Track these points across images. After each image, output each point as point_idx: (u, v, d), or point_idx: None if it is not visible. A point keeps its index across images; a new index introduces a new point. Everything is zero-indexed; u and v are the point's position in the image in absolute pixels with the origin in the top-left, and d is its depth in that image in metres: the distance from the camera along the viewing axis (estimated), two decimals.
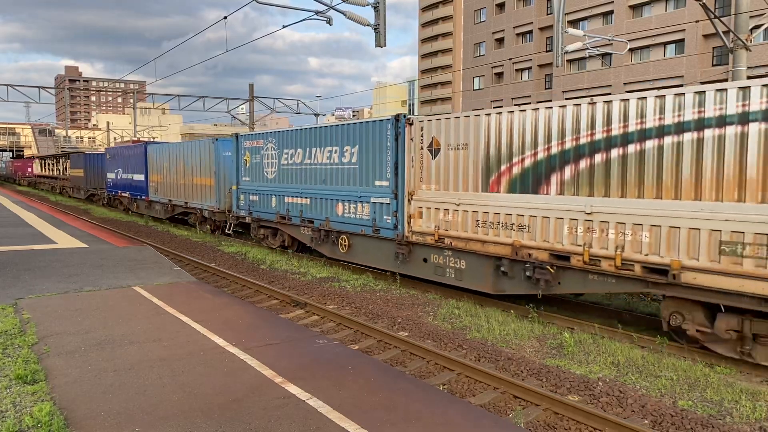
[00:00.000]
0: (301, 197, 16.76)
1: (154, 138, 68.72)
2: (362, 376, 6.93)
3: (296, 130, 16.99)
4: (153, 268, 13.93)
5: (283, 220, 17.61)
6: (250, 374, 6.91)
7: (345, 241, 15.06)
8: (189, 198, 24.27)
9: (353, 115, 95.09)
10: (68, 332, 8.52)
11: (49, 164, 60.96)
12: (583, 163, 9.60)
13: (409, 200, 12.99)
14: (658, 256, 8.65)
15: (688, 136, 8.36)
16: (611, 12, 46.02)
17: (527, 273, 10.45)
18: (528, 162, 10.43)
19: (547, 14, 52.01)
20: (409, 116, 12.98)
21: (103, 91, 46.86)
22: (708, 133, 8.15)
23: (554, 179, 10.03)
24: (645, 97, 8.79)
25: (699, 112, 8.25)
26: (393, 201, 13.41)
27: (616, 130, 9.16)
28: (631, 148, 8.98)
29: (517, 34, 56.10)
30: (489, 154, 11.15)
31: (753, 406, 6.83)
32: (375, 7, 14.97)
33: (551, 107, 10.05)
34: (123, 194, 33.05)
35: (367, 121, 14.23)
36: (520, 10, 55.69)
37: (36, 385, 6.46)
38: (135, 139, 46.51)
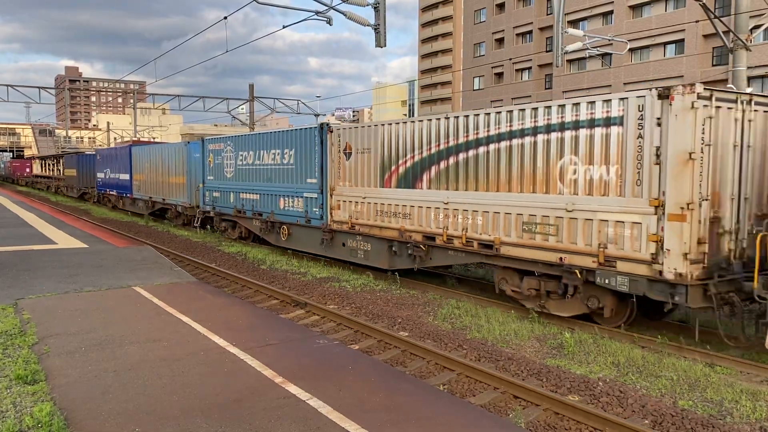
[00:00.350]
0: (252, 193, 19.04)
1: (154, 138, 68.50)
2: (362, 376, 6.93)
3: (249, 135, 19.35)
4: (153, 268, 13.94)
5: (239, 213, 19.88)
6: (251, 374, 6.91)
7: (285, 231, 17.42)
8: (166, 195, 26.05)
9: (353, 116, 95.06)
10: (68, 332, 8.52)
11: (47, 164, 61.16)
12: (443, 165, 12.10)
13: (331, 194, 15.42)
14: (488, 234, 11.21)
15: (503, 144, 10.81)
16: (611, 12, 46.02)
17: (409, 251, 12.94)
18: (409, 163, 12.97)
19: (547, 14, 51.96)
20: (330, 125, 15.42)
21: (103, 91, 46.90)
22: (515, 141, 10.60)
23: (425, 177, 12.58)
24: (479, 114, 11.23)
25: (509, 125, 10.67)
26: (320, 195, 15.79)
27: (461, 138, 11.65)
28: (471, 153, 11.46)
29: (517, 34, 56.09)
30: (384, 156, 13.61)
31: (753, 406, 6.83)
32: (375, 8, 14.97)
33: (422, 120, 12.61)
34: (111, 192, 34.64)
35: (301, 128, 16.56)
36: (520, 10, 55.68)
37: (36, 386, 6.46)
38: (135, 139, 46.48)
